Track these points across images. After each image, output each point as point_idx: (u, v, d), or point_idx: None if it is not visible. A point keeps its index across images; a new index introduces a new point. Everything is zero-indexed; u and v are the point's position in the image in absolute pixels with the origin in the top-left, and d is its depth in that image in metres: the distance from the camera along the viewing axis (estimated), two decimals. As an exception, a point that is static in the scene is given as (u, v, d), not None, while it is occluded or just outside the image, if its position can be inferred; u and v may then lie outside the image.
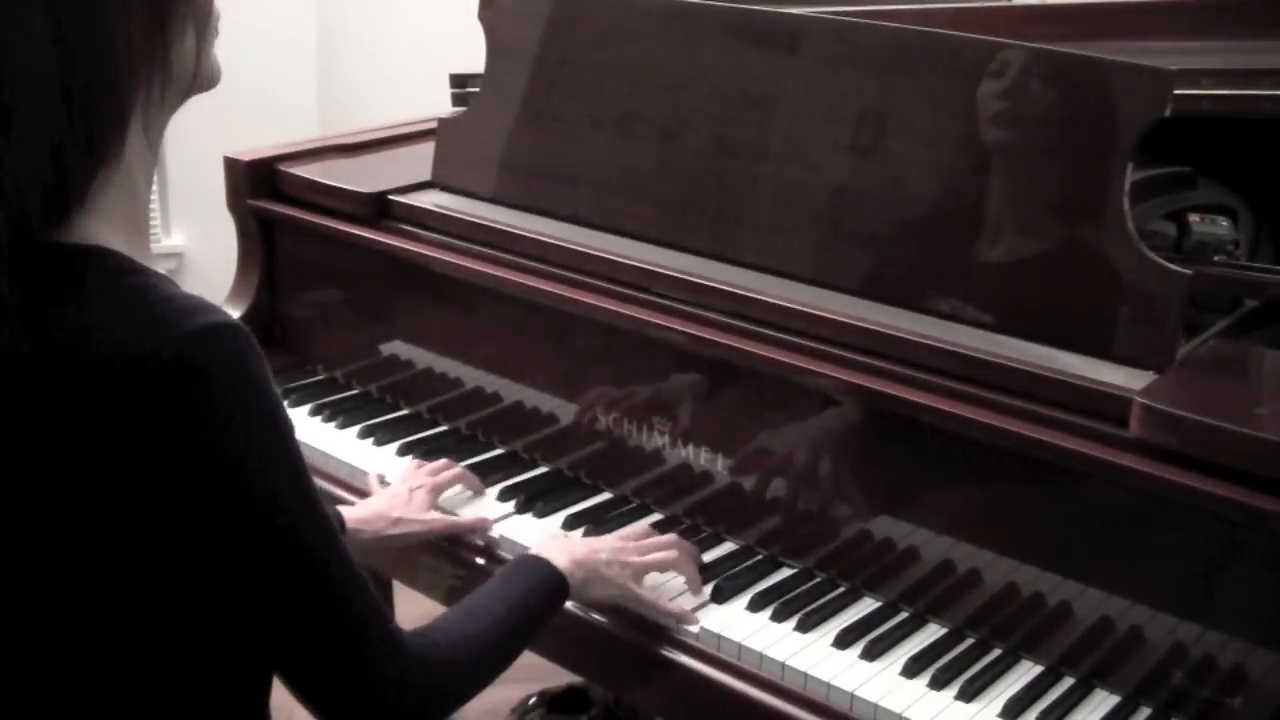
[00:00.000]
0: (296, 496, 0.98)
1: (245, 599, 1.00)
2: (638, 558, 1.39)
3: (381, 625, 1.04)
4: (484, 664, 1.15)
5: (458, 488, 1.60)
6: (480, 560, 1.53)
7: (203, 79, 1.03)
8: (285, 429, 0.98)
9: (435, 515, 1.53)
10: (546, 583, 1.27)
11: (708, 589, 1.43)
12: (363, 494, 1.61)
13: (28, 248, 0.94)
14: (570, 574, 1.29)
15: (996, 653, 1.34)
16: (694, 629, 1.37)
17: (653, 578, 1.41)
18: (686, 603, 1.40)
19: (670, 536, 1.45)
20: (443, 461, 1.62)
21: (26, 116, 0.92)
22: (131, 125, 0.97)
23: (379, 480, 1.62)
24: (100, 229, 0.97)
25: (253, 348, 0.95)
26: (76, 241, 0.96)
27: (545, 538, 1.41)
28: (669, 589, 1.42)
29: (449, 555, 1.55)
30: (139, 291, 0.95)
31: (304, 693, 1.04)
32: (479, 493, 1.61)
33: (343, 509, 1.49)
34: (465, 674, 1.13)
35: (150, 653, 1.00)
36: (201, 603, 1.00)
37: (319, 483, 1.54)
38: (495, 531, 1.53)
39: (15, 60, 0.91)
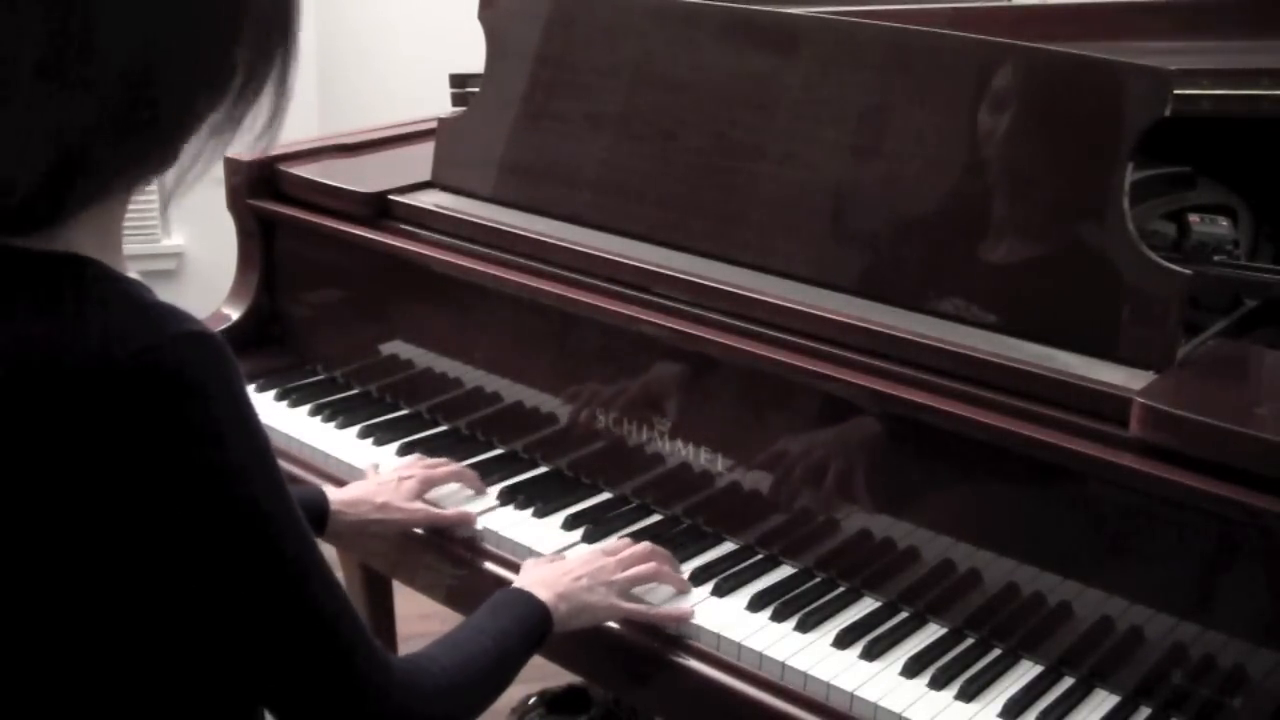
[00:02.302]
0: (272, 508, 0.97)
1: (225, 616, 0.98)
2: (620, 574, 1.37)
3: (368, 648, 1.02)
4: (471, 696, 1.15)
5: (455, 487, 1.60)
6: (480, 560, 1.53)
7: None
8: (261, 439, 0.97)
9: (420, 505, 1.52)
10: (531, 619, 1.26)
11: (708, 588, 1.43)
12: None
13: None
14: (554, 608, 1.28)
15: (996, 653, 1.34)
16: (694, 629, 1.37)
17: (641, 587, 1.40)
18: (682, 604, 1.40)
19: (645, 545, 1.42)
20: (443, 460, 1.61)
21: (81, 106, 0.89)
22: None
23: (374, 469, 1.62)
24: (75, 237, 0.95)
25: (228, 358, 0.94)
26: (50, 249, 0.94)
27: (530, 567, 1.39)
28: (660, 594, 1.41)
29: (449, 555, 1.55)
30: (115, 299, 0.93)
31: (282, 712, 1.02)
32: (479, 491, 1.61)
33: (328, 490, 1.48)
34: (452, 705, 1.12)
35: (135, 664, 0.99)
36: (181, 617, 0.98)
37: (319, 482, 1.56)
38: (494, 530, 1.54)
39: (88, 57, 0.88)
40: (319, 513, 1.44)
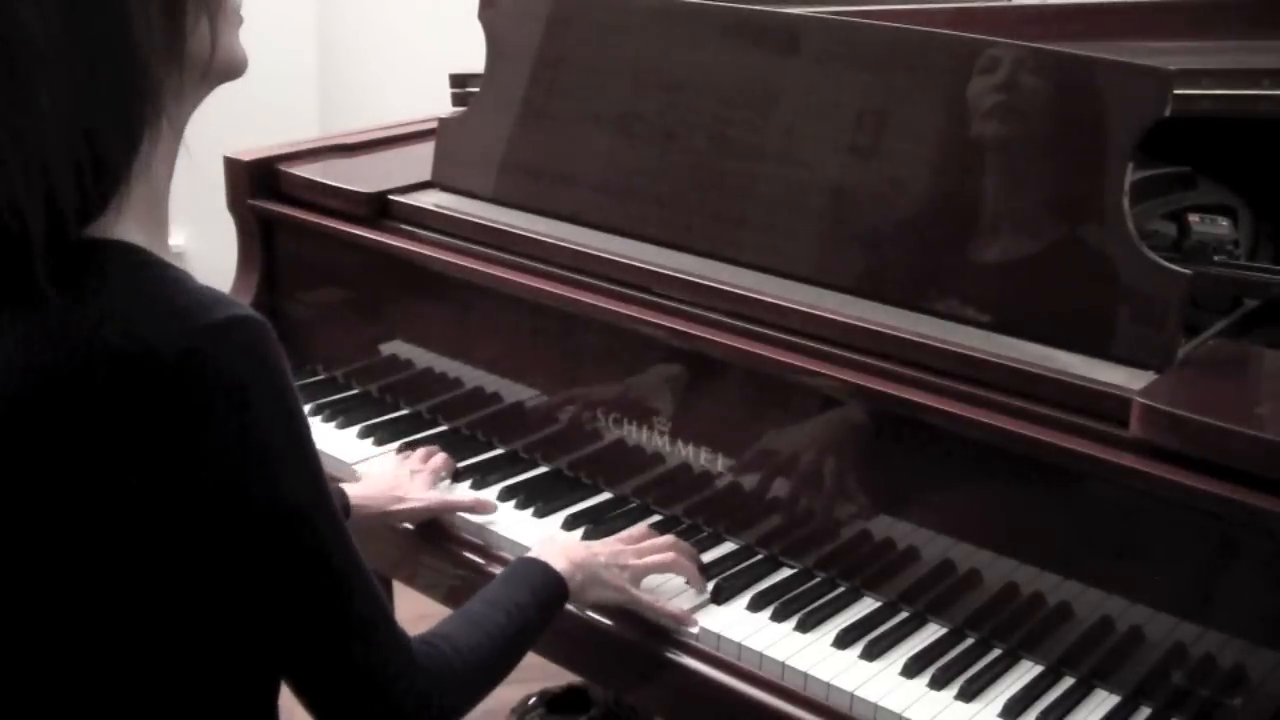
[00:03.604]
0: (311, 496, 0.98)
1: (252, 596, 0.99)
2: (636, 560, 1.39)
3: (391, 634, 1.04)
4: (489, 673, 1.15)
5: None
6: (480, 560, 1.53)
7: (222, 67, 1.02)
8: (302, 426, 0.98)
9: (435, 493, 1.57)
10: (547, 587, 1.27)
11: (708, 588, 1.43)
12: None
13: (64, 242, 0.93)
14: (570, 576, 1.29)
15: (996, 653, 1.34)
16: (694, 629, 1.37)
17: (652, 579, 1.41)
18: (686, 602, 1.40)
19: (668, 538, 1.45)
20: (429, 449, 1.65)
21: (50, 98, 0.91)
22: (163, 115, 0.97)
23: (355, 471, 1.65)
24: (121, 223, 0.97)
25: (273, 342, 0.96)
26: (97, 236, 0.96)
27: (544, 540, 1.41)
28: (668, 589, 1.42)
29: (449, 555, 1.55)
30: (159, 284, 0.95)
31: (309, 697, 1.03)
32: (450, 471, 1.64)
33: (345, 486, 1.50)
34: (471, 684, 1.13)
35: (158, 650, 1.00)
36: (210, 599, 1.00)
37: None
38: (495, 530, 1.54)
39: (31, 44, 0.90)
40: (343, 509, 1.45)
